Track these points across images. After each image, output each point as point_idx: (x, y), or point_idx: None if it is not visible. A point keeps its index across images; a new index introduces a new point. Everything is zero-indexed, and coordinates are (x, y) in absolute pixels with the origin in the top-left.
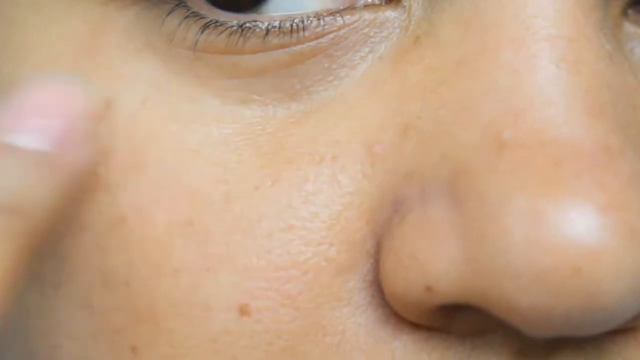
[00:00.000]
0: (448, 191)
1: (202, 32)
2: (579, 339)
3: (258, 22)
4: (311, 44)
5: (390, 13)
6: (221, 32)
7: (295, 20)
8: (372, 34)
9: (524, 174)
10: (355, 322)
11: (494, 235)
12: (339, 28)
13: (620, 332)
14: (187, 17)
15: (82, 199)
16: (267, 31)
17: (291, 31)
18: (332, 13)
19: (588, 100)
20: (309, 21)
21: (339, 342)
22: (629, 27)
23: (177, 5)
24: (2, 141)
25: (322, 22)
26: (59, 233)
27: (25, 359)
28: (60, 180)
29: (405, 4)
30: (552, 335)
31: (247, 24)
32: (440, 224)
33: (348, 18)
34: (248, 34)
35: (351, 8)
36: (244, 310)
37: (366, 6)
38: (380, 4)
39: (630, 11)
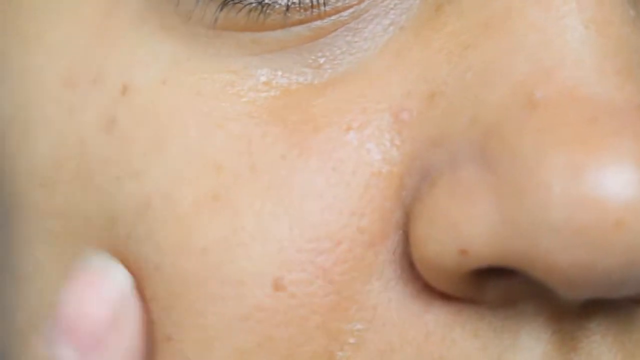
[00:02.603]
0: (479, 154)
1: (220, 9)
2: (611, 307)
3: None
4: (332, 18)
5: None
6: (240, 9)
7: None
8: (392, 5)
9: (560, 131)
10: (387, 296)
11: (531, 191)
12: (360, 2)
13: None
14: None
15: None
16: (287, 7)
17: (312, 6)
18: None
19: (618, 62)
20: None
21: (372, 318)
22: None
23: None
24: (45, 357)
25: None
26: (94, 229)
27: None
28: None
29: None
30: (590, 296)
31: (267, 1)
32: (473, 185)
33: None
34: (268, 10)
35: None
36: (278, 285)
37: None
38: None
39: None
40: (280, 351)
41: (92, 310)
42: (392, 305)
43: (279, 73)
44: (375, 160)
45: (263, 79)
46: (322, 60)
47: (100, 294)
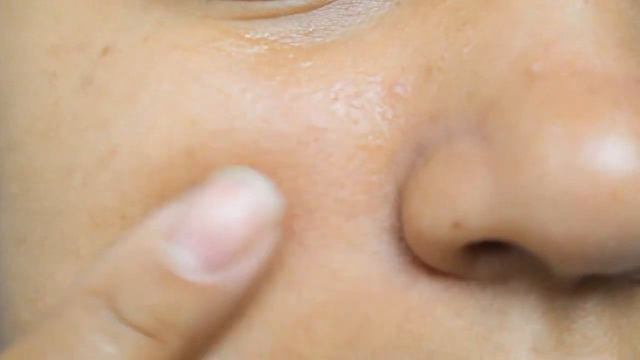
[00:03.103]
0: (477, 127)
1: None
2: (608, 287)
3: None
4: None
5: None
6: None
7: None
8: None
9: (558, 103)
10: (369, 269)
11: (528, 163)
12: None
13: None
14: None
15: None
16: None
17: None
18: None
19: (617, 35)
20: None
21: (350, 290)
22: None
23: None
24: (158, 250)
25: None
26: (46, 184)
27: (13, 329)
28: (212, 306)
29: None
30: (584, 270)
31: None
32: (470, 159)
33: None
34: None
35: None
36: None
37: None
38: None
39: None
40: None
41: (229, 223)
42: (373, 279)
43: (267, 34)
44: (363, 134)
45: (248, 36)
46: (312, 28)
47: (242, 212)
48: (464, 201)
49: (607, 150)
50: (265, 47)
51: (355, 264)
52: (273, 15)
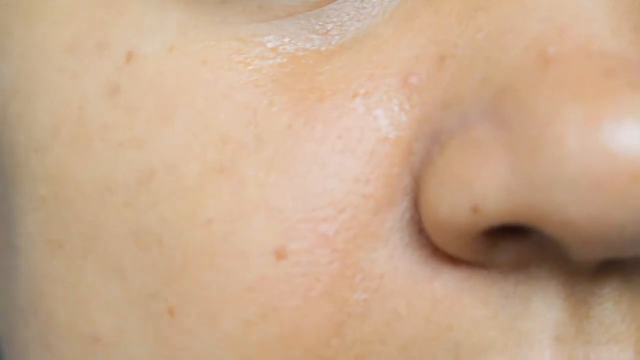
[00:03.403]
0: (492, 112)
1: None
2: (625, 273)
3: None
4: None
5: None
6: None
7: None
8: None
9: (575, 85)
10: (394, 264)
11: (546, 144)
12: None
13: None
14: None
15: (107, 156)
16: None
17: None
18: None
19: (632, 19)
20: None
21: (378, 287)
22: None
23: None
24: None
25: None
26: (85, 196)
27: (36, 338)
28: None
29: None
30: (603, 254)
31: None
32: (486, 143)
33: None
34: None
35: None
36: (280, 254)
37: None
38: None
39: None
40: (285, 321)
41: None
42: (398, 273)
43: (286, 39)
44: (383, 126)
45: (270, 45)
46: (329, 27)
47: None
48: (482, 185)
49: (626, 131)
50: (287, 56)
51: (381, 260)
52: (290, 14)
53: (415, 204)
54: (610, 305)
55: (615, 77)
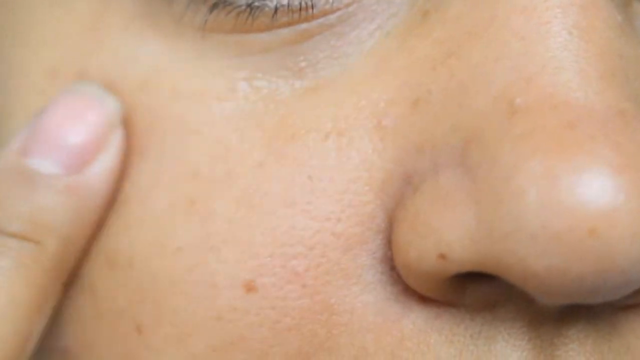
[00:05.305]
0: (460, 160)
1: (210, 12)
2: (591, 314)
3: (267, 1)
4: (319, 21)
5: None
6: (230, 12)
7: None
8: (380, 10)
9: (537, 137)
10: (364, 300)
11: (508, 198)
12: (347, 5)
13: (632, 308)
14: None
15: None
16: (276, 10)
17: (300, 9)
18: None
19: (601, 66)
20: None
21: (347, 322)
22: (637, 7)
23: None
24: (19, 165)
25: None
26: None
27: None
28: (79, 204)
29: None
30: (566, 301)
31: (256, 3)
32: (454, 191)
33: None
34: (257, 13)
35: None
36: (249, 287)
37: None
38: None
39: None
40: (252, 350)
41: (78, 131)
42: (368, 310)
43: (259, 75)
44: (355, 167)
45: (242, 82)
46: (303, 64)
47: (87, 117)
48: (448, 233)
49: (584, 186)
50: (259, 93)
51: (352, 296)
52: (265, 50)
53: (389, 243)
54: (575, 346)
55: (577, 129)
